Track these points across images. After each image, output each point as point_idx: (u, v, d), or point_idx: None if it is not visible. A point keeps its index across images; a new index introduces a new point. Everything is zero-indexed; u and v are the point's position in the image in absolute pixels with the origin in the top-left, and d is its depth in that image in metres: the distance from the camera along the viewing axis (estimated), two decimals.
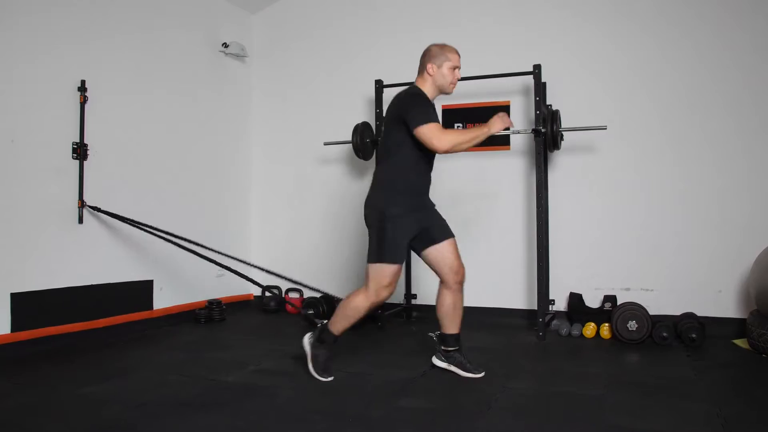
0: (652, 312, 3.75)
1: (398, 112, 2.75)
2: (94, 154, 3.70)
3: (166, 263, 4.13)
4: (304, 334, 2.91)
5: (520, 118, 4.29)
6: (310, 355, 2.82)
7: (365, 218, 2.82)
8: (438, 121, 2.72)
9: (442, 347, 2.92)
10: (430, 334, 3.05)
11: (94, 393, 2.61)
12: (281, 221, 5.07)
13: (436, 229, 2.83)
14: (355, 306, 2.76)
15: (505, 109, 4.30)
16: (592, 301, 4.05)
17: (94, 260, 3.72)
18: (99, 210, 3.66)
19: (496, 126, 2.76)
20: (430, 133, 2.65)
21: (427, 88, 2.84)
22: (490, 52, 4.36)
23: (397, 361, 3.18)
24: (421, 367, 3.00)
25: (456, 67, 2.83)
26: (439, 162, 4.27)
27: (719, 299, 3.84)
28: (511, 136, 4.25)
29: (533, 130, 3.73)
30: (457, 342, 2.90)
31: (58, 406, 2.46)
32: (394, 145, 2.76)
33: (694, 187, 3.93)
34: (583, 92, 4.16)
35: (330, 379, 2.77)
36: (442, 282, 2.88)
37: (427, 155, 2.82)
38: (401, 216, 2.72)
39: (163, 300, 4.17)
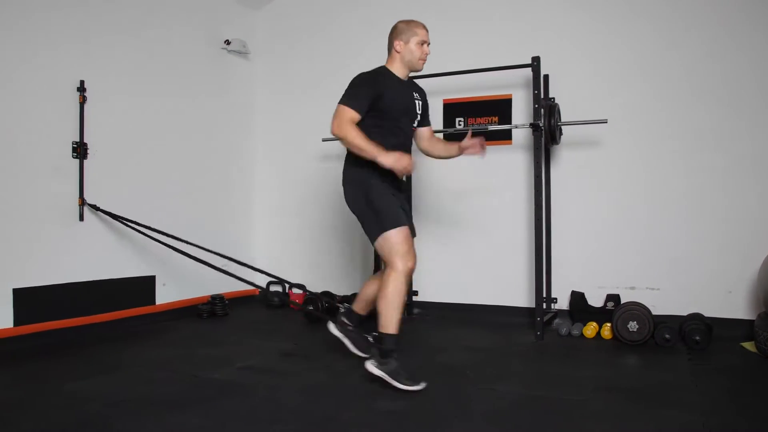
0: (657, 312, 3.62)
1: None
2: (95, 153, 3.77)
3: (168, 259, 4.18)
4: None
5: (521, 112, 4.18)
6: (387, 375, 2.58)
7: (348, 201, 2.79)
8: (359, 110, 2.64)
9: (344, 319, 3.01)
10: (340, 306, 3.17)
11: (79, 388, 2.66)
12: (285, 217, 5.07)
13: None
14: (394, 290, 2.59)
15: (507, 102, 4.19)
16: (596, 299, 3.93)
17: (95, 256, 3.80)
18: (97, 209, 3.73)
19: (386, 160, 2.58)
20: (337, 112, 2.64)
21: (396, 66, 2.81)
22: (495, 45, 4.26)
23: None
24: (406, 366, 2.94)
25: (424, 42, 2.78)
26: None
27: (729, 299, 3.67)
28: (512, 130, 4.14)
29: (531, 124, 3.62)
30: (360, 323, 3.02)
31: (40, 401, 2.52)
32: (361, 124, 2.71)
33: (705, 181, 3.75)
34: (591, 84, 4.01)
35: (422, 385, 2.57)
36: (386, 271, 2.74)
37: (396, 133, 2.76)
38: (382, 185, 2.70)
39: (165, 295, 4.24)
